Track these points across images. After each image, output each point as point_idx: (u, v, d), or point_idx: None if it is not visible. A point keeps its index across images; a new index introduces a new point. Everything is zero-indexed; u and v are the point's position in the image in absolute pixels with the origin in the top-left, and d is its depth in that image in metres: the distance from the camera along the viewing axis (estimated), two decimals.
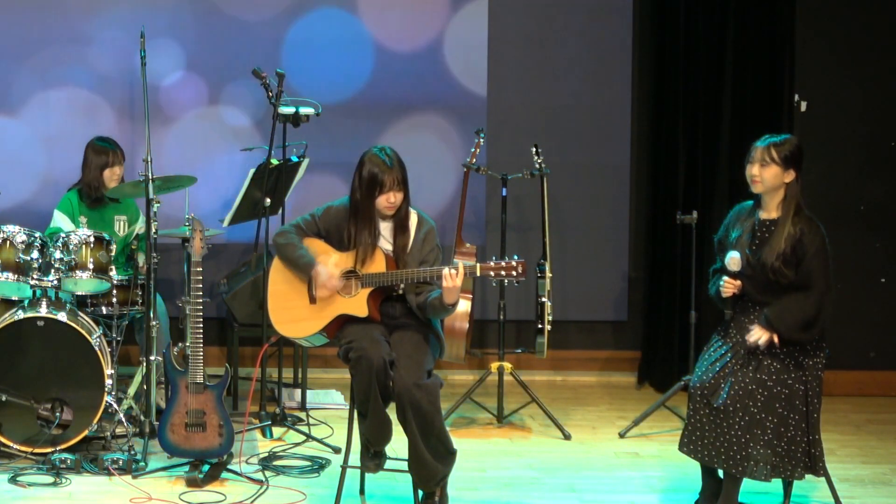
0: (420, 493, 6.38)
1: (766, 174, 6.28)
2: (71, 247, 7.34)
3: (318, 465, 7.13)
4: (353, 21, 8.94)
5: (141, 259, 7.75)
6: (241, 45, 8.83)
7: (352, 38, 8.93)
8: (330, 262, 6.37)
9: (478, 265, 6.25)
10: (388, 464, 6.50)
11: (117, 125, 8.75)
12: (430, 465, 6.27)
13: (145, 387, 7.40)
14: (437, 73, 9.01)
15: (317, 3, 8.91)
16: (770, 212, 6.34)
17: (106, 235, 7.48)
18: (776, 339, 6.22)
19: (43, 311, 7.17)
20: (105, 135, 8.18)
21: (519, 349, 8.66)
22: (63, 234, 7.39)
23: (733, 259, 6.30)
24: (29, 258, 7.28)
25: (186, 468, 6.91)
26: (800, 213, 6.29)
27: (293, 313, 6.44)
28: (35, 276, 7.28)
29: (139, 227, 8.06)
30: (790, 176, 6.29)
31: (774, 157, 6.27)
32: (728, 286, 6.33)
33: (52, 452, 7.02)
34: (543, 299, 7.90)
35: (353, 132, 8.90)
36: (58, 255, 7.31)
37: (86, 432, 7.13)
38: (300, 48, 8.89)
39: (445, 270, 6.17)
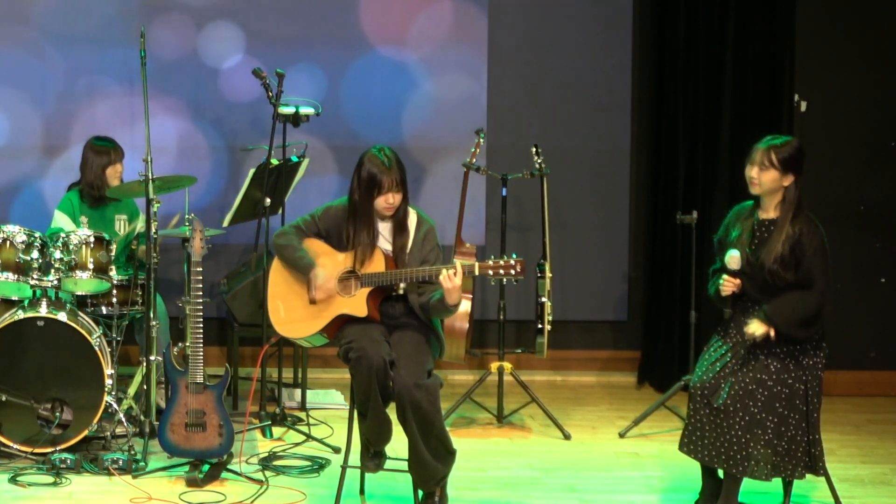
0: (420, 493, 6.39)
1: (763, 177, 6.27)
2: (71, 247, 7.34)
3: (318, 465, 7.13)
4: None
5: (142, 246, 7.77)
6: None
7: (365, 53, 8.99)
8: (329, 265, 6.38)
9: (476, 264, 6.24)
10: (388, 464, 6.51)
11: (115, 125, 8.76)
12: (430, 465, 6.27)
13: (145, 387, 7.40)
14: (437, 72, 9.01)
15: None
16: (769, 212, 6.34)
17: (106, 235, 7.48)
18: (773, 335, 6.22)
19: (43, 311, 7.17)
20: (105, 134, 8.19)
21: (519, 349, 8.67)
22: (63, 234, 7.39)
23: (733, 257, 6.30)
24: (29, 258, 7.28)
25: (186, 468, 6.91)
26: (799, 214, 6.28)
27: (293, 313, 6.44)
28: (35, 276, 7.28)
29: (139, 226, 8.07)
30: (788, 180, 6.27)
31: (773, 161, 6.25)
32: (727, 285, 6.32)
33: (52, 452, 7.02)
34: (543, 299, 7.90)
35: (353, 131, 8.91)
36: (58, 255, 7.32)
37: (86, 432, 7.13)
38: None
39: (444, 272, 6.17)
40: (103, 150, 7.96)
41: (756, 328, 6.22)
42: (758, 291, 6.30)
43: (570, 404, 8.58)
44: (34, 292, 7.33)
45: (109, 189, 7.86)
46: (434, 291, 6.32)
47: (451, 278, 6.16)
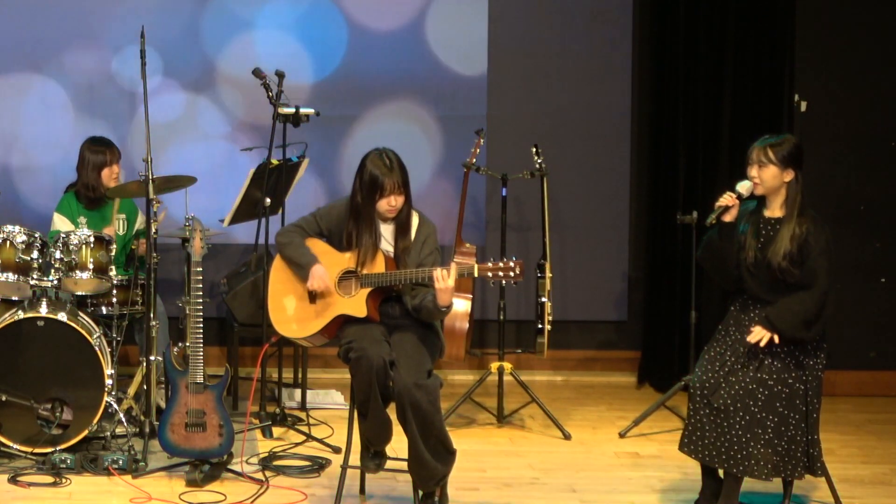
0: (420, 493, 6.39)
1: (764, 175, 6.29)
2: (71, 247, 7.34)
3: (318, 465, 7.14)
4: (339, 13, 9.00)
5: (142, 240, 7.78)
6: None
7: (344, 30, 8.97)
8: (331, 265, 6.38)
9: (476, 266, 6.25)
10: (388, 464, 6.51)
11: (115, 126, 8.76)
12: (430, 465, 6.27)
13: (145, 387, 7.40)
14: (437, 72, 9.01)
15: None
16: (774, 210, 6.35)
17: (106, 235, 7.48)
18: (776, 339, 6.22)
19: (43, 311, 7.17)
20: (104, 135, 8.17)
21: (519, 349, 8.67)
22: (63, 234, 7.39)
23: (745, 185, 6.30)
24: (29, 258, 7.28)
25: (186, 468, 6.91)
26: (804, 212, 6.29)
27: (293, 313, 6.44)
28: (35, 276, 7.28)
29: (139, 224, 8.07)
30: (789, 175, 6.29)
31: (771, 158, 6.28)
32: (726, 197, 6.30)
33: (52, 452, 7.02)
34: (543, 299, 7.90)
35: (352, 131, 8.91)
36: (58, 255, 7.32)
37: (86, 432, 7.13)
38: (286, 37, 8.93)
39: (436, 272, 6.17)
40: (99, 150, 7.96)
41: (758, 335, 6.22)
42: (763, 291, 6.30)
43: (570, 404, 8.58)
44: (34, 292, 7.33)
45: (109, 189, 7.85)
46: (427, 292, 6.32)
47: (442, 279, 6.16)
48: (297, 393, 8.28)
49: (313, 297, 6.44)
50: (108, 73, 8.83)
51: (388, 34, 8.96)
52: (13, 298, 7.44)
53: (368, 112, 8.97)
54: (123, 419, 7.32)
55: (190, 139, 8.89)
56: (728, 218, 6.33)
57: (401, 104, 8.99)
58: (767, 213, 6.36)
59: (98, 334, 7.28)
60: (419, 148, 8.95)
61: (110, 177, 7.94)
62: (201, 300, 6.90)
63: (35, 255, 7.30)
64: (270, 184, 7.86)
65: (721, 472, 6.34)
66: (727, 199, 6.31)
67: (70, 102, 8.83)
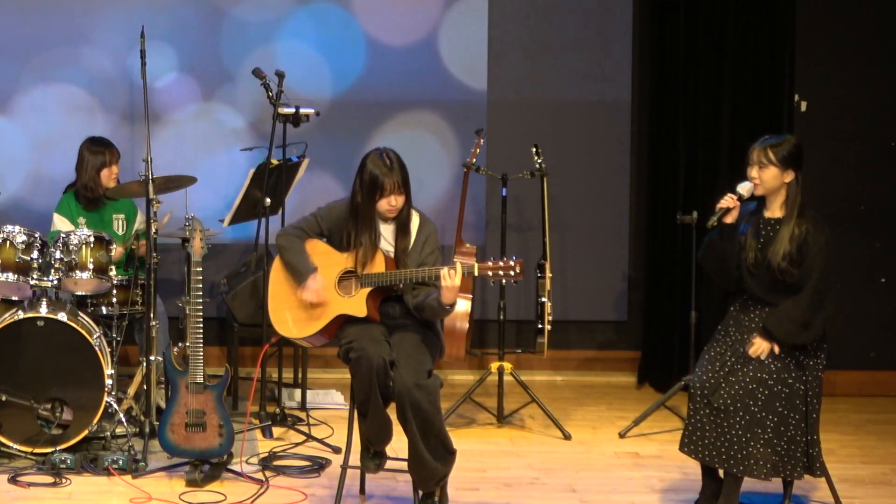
0: (420, 492, 6.39)
1: (764, 176, 6.29)
2: (71, 247, 7.34)
3: (318, 465, 7.14)
4: (347, 17, 8.97)
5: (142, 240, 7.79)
6: (235, 42, 8.86)
7: (347, 35, 8.96)
8: (330, 265, 6.38)
9: (476, 264, 6.25)
10: (388, 464, 6.51)
11: (114, 126, 8.76)
12: (430, 465, 6.27)
13: (145, 387, 7.40)
14: (436, 72, 9.01)
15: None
16: (774, 211, 6.35)
17: (106, 235, 7.49)
18: (777, 349, 6.23)
19: (43, 311, 7.17)
20: (103, 135, 8.17)
21: (519, 349, 8.66)
22: (63, 234, 7.40)
23: (745, 186, 6.31)
24: (29, 258, 7.28)
25: (186, 468, 6.91)
26: (804, 213, 6.29)
27: (293, 313, 6.44)
28: (35, 276, 7.28)
29: (139, 224, 8.07)
30: (789, 176, 6.29)
31: (772, 159, 6.28)
32: (727, 199, 6.31)
33: (52, 452, 7.02)
34: (543, 299, 7.90)
35: (353, 131, 8.91)
36: (58, 255, 7.32)
37: (86, 432, 7.13)
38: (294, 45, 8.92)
39: (444, 270, 6.18)
40: (98, 151, 7.96)
41: (758, 349, 6.23)
42: (764, 291, 6.30)
43: (570, 404, 8.58)
44: (34, 292, 7.32)
45: (109, 189, 7.86)
46: (430, 291, 6.32)
47: (449, 277, 6.16)
48: (297, 393, 8.28)
49: None
50: (109, 72, 8.83)
51: (403, 48, 8.96)
52: (13, 298, 7.44)
53: (382, 119, 8.97)
54: (123, 419, 7.32)
55: (191, 139, 8.89)
56: (729, 219, 6.33)
57: (412, 112, 8.99)
58: (767, 214, 6.37)
59: (98, 334, 7.28)
60: (433, 155, 8.96)
61: (109, 177, 7.95)
62: (201, 300, 6.90)
63: (35, 255, 7.30)
64: (270, 184, 7.86)
65: (721, 472, 6.35)
66: (728, 200, 6.32)
67: (70, 102, 8.83)
